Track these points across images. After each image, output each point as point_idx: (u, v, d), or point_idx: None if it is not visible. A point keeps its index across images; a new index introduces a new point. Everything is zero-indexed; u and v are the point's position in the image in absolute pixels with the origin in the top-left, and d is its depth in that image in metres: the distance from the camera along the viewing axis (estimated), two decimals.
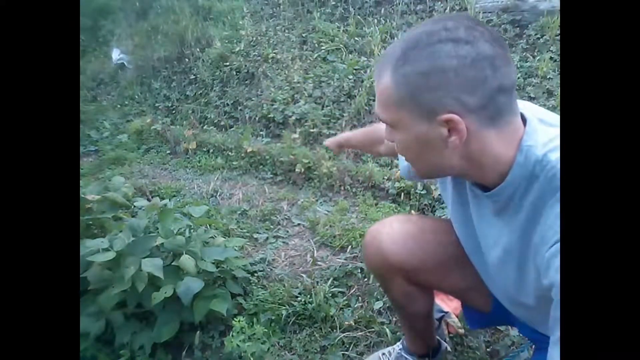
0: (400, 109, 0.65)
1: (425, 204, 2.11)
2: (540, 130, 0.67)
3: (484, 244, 0.82)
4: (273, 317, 1.44)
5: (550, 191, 0.64)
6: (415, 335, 1.16)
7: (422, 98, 0.62)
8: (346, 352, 1.30)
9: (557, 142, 0.66)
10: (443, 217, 1.86)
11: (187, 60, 4.00)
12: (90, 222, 1.47)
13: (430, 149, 0.67)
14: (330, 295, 1.51)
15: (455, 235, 0.93)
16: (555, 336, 0.61)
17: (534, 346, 1.00)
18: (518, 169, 0.66)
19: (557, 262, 0.60)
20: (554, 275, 0.60)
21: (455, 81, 0.60)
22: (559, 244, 0.60)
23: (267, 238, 2.00)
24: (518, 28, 2.99)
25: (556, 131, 0.67)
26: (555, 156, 0.64)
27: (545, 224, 0.65)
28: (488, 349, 1.29)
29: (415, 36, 0.63)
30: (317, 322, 1.42)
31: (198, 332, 1.35)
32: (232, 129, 3.33)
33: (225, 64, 3.69)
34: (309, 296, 1.49)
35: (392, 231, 0.95)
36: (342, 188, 2.44)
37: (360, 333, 1.36)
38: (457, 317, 1.32)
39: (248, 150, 2.86)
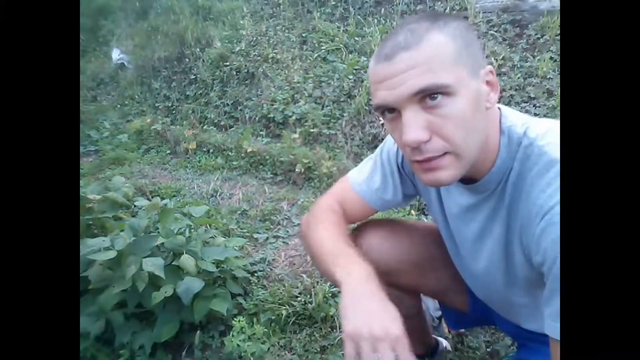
0: (458, 64, 0.60)
1: (425, 203, 2.11)
2: (513, 113, 0.70)
3: (465, 246, 0.82)
4: (273, 317, 1.44)
5: (528, 168, 0.64)
6: (409, 335, 1.16)
7: (472, 49, 0.62)
8: None
9: (532, 122, 0.68)
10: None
11: (187, 60, 4.00)
12: (91, 222, 1.47)
13: (480, 113, 0.63)
14: (330, 295, 1.51)
15: (430, 237, 0.94)
16: (553, 308, 0.59)
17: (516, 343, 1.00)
18: (504, 150, 0.67)
19: (549, 236, 0.59)
20: (546, 249, 0.60)
21: (478, 41, 0.64)
22: (548, 216, 0.60)
23: (267, 238, 2.00)
24: (518, 28, 2.99)
25: (526, 116, 0.70)
26: (533, 133, 0.65)
27: (528, 202, 0.64)
28: (488, 349, 1.29)
29: (428, 13, 0.64)
30: (317, 322, 1.42)
31: (198, 332, 1.35)
32: (232, 129, 3.33)
33: (225, 64, 3.69)
34: (309, 296, 1.49)
35: (365, 235, 0.94)
36: None
37: None
38: None
39: (248, 150, 2.87)
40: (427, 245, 0.94)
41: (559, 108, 2.41)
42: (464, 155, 0.62)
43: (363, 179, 0.90)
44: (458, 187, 0.76)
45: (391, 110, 0.63)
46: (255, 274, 1.70)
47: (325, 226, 0.83)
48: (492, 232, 0.74)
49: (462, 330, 1.30)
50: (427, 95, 0.59)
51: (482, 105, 0.63)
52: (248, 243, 1.92)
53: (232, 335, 1.26)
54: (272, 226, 2.12)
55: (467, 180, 0.72)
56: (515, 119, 0.69)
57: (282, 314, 1.43)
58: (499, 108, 0.70)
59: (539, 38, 2.86)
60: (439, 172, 0.63)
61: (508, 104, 2.51)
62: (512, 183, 0.67)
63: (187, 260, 1.31)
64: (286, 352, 1.33)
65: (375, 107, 0.65)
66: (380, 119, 2.78)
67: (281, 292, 1.53)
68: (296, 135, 2.85)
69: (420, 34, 0.60)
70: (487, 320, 1.02)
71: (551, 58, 2.70)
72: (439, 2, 3.38)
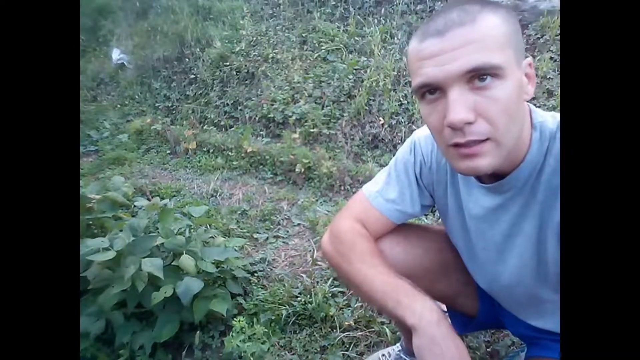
0: (509, 47, 0.59)
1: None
2: (537, 109, 0.69)
3: (489, 247, 0.81)
4: (273, 317, 1.44)
5: None
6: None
7: (519, 37, 0.61)
8: (346, 352, 1.30)
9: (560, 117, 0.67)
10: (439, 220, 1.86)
11: (187, 60, 4.01)
12: (91, 222, 1.47)
13: (520, 102, 0.62)
14: (330, 295, 1.51)
15: (442, 242, 0.93)
16: None
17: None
18: (536, 146, 0.66)
19: None
20: None
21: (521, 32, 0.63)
22: None
23: (267, 238, 2.00)
24: None
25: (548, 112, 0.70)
26: None
27: None
28: (488, 349, 1.29)
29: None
30: (317, 322, 1.42)
31: (198, 332, 1.35)
32: (232, 129, 3.34)
33: (225, 64, 3.70)
34: (309, 296, 1.49)
35: (377, 240, 0.91)
36: (342, 188, 2.44)
37: (360, 333, 1.36)
38: None
39: (248, 150, 2.87)
40: (439, 250, 0.93)
41: (559, 108, 2.41)
42: (504, 143, 0.60)
43: (380, 193, 0.88)
44: (480, 189, 0.75)
45: (433, 91, 0.61)
46: (255, 274, 1.70)
47: (366, 259, 0.80)
48: (522, 230, 0.73)
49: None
50: (477, 76, 0.57)
51: (521, 96, 0.62)
52: (248, 243, 1.92)
53: (232, 335, 1.26)
54: (272, 226, 2.12)
55: (491, 179, 0.72)
56: (544, 113, 0.68)
57: (282, 314, 1.43)
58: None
59: (539, 38, 2.87)
60: (478, 159, 0.60)
61: None
62: (546, 179, 0.66)
63: (186, 261, 1.31)
64: (286, 352, 1.33)
65: (418, 87, 0.61)
66: (377, 119, 2.78)
67: (281, 292, 1.53)
68: (296, 135, 2.85)
69: (474, 12, 0.58)
70: (495, 323, 1.02)
71: (551, 58, 2.70)
72: (439, 2, 3.38)
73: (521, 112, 0.63)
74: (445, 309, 1.15)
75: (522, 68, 0.62)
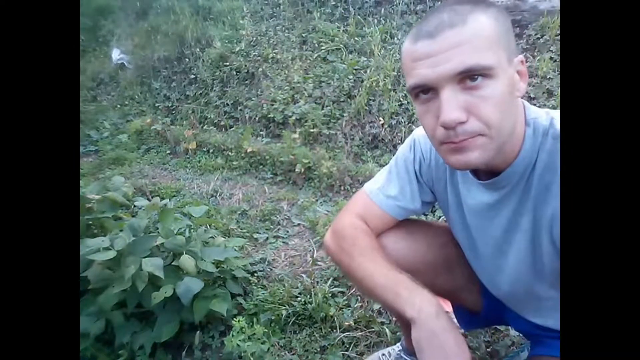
0: (499, 47, 0.60)
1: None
2: (532, 106, 0.70)
3: (489, 243, 0.81)
4: (273, 317, 1.44)
5: (558, 157, 0.64)
6: None
7: (510, 35, 0.62)
8: (346, 352, 1.30)
9: (556, 114, 0.68)
10: (441, 218, 1.86)
11: (187, 60, 4.00)
12: (91, 222, 1.47)
13: (512, 99, 0.63)
14: (330, 295, 1.51)
15: (445, 238, 0.93)
16: None
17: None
18: (529, 142, 0.67)
19: None
20: None
21: (512, 29, 0.64)
22: None
23: (267, 238, 2.00)
24: (518, 28, 2.99)
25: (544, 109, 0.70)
26: (559, 122, 0.66)
27: None
28: (488, 349, 1.29)
29: None
30: (317, 322, 1.42)
31: (198, 332, 1.35)
32: (232, 129, 3.34)
33: (225, 64, 3.69)
34: (309, 296, 1.49)
35: (380, 235, 0.92)
36: (342, 188, 2.44)
37: (360, 333, 1.36)
38: None
39: (248, 150, 2.87)
40: (442, 245, 0.93)
41: (559, 108, 2.41)
42: (496, 138, 0.61)
43: (380, 190, 0.89)
44: (478, 186, 0.76)
45: (426, 91, 0.62)
46: (255, 274, 1.70)
47: (367, 254, 0.81)
48: (519, 226, 0.74)
49: (463, 330, 1.30)
50: (468, 76, 0.58)
51: (513, 94, 0.63)
52: (248, 243, 1.92)
53: (232, 335, 1.26)
54: (272, 226, 2.12)
55: (487, 176, 0.72)
56: (538, 110, 0.69)
57: (282, 314, 1.43)
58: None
59: (539, 38, 2.86)
60: (469, 152, 0.61)
61: None
62: (538, 174, 0.67)
63: (186, 261, 1.31)
64: (286, 352, 1.33)
65: (412, 87, 0.63)
66: (377, 119, 2.78)
67: (281, 292, 1.53)
68: (296, 135, 2.85)
69: (465, 13, 0.59)
70: (499, 320, 1.02)
71: (551, 58, 2.70)
72: (439, 3, 3.38)
73: (513, 109, 0.64)
74: (451, 308, 1.15)
75: (513, 65, 0.62)
